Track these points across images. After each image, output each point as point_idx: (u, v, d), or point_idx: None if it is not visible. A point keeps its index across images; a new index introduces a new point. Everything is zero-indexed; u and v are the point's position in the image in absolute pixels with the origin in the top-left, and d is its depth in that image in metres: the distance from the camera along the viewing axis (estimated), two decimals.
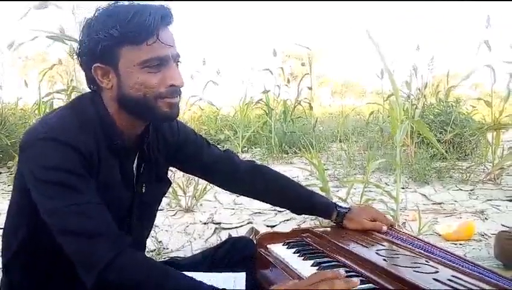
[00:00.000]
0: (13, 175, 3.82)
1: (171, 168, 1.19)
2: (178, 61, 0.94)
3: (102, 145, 0.92)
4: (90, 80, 0.95)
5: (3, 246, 1.02)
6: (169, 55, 0.90)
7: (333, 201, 1.30)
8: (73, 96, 4.09)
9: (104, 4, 0.91)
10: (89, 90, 0.98)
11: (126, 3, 0.90)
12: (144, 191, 1.04)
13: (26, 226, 0.96)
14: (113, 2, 0.91)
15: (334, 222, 1.24)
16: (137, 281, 0.83)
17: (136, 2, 0.91)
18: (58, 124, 0.89)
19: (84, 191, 0.85)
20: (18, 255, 0.98)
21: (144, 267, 0.85)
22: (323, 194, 2.30)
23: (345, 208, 1.24)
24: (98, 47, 0.88)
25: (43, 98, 4.47)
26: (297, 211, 1.34)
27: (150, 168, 1.06)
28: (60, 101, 4.69)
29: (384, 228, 1.17)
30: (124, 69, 0.89)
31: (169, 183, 1.16)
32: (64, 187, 0.84)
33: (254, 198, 1.32)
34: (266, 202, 1.37)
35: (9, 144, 4.38)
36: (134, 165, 1.02)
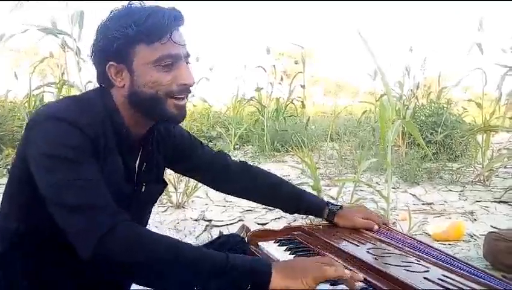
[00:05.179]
0: (1, 168, 3.77)
1: None
2: (188, 62, 0.96)
3: (109, 136, 0.93)
4: (102, 77, 0.96)
5: None
6: (181, 54, 0.93)
7: (324, 199, 1.30)
8: (64, 90, 4.06)
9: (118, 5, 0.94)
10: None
11: (138, 4, 0.93)
12: (143, 190, 1.05)
13: (23, 219, 0.93)
14: (126, 3, 0.94)
15: (326, 220, 1.24)
16: (140, 253, 0.81)
17: (147, 4, 0.94)
18: (68, 109, 0.89)
19: (88, 168, 0.85)
20: (13, 252, 0.95)
21: (147, 239, 0.83)
22: (314, 193, 2.30)
23: (337, 205, 1.24)
24: (113, 46, 0.90)
25: (33, 90, 4.43)
26: (289, 210, 1.34)
27: (151, 168, 1.07)
28: (50, 94, 4.64)
29: (376, 227, 1.17)
30: (137, 67, 0.91)
31: (165, 184, 1.18)
32: (68, 162, 0.83)
33: (246, 198, 1.34)
34: (258, 202, 1.38)
35: None
36: (137, 164, 1.03)
